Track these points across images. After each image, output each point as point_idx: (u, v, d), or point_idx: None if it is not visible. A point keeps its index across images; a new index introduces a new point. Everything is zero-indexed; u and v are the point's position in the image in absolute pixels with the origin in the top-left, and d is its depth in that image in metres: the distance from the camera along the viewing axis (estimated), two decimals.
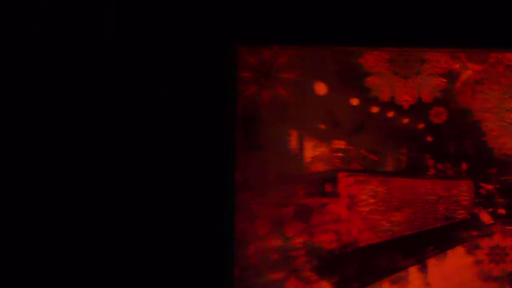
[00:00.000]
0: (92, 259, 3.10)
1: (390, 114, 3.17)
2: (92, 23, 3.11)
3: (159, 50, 3.08)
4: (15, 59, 3.09)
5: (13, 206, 3.11)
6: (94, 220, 3.09)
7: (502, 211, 3.18)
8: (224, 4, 3.08)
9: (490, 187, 3.17)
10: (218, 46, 3.08)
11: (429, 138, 3.16)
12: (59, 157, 3.07)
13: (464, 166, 3.16)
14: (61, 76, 3.07)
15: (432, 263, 3.16)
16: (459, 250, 3.16)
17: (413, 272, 3.15)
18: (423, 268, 3.15)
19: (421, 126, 3.16)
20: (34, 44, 3.08)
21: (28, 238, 3.10)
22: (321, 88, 3.18)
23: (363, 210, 3.17)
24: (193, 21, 3.08)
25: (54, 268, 3.10)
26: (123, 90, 3.09)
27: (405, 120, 3.16)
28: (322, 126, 3.18)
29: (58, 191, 3.09)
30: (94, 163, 3.08)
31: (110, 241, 3.08)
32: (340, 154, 3.19)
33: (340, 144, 3.18)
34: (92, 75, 3.09)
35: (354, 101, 3.17)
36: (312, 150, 3.19)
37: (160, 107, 3.08)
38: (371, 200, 3.16)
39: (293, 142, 3.20)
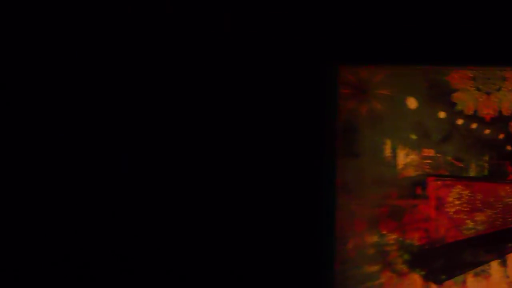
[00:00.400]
0: (200, 257, 3.23)
1: (474, 125, 3.26)
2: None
3: (274, 71, 3.21)
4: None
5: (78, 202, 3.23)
6: (206, 219, 3.23)
7: None
8: (328, 30, 3.21)
9: None
10: (322, 66, 3.21)
11: (509, 147, 3.26)
12: (179, 159, 3.23)
13: None
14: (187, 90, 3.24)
15: (511, 258, 3.24)
16: None
17: (494, 266, 3.23)
18: (503, 263, 3.24)
19: (501, 136, 3.26)
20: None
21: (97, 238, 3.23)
22: (412, 103, 3.27)
23: (449, 210, 3.26)
24: (302, 44, 3.21)
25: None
26: (246, 105, 3.22)
27: (487, 131, 3.26)
28: (413, 136, 3.28)
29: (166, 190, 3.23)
30: (218, 170, 3.24)
31: (225, 234, 3.22)
32: (429, 161, 3.27)
33: (429, 152, 3.27)
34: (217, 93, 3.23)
35: (442, 114, 3.26)
36: (404, 158, 3.28)
37: (273, 121, 3.23)
38: (457, 202, 3.26)
39: (387, 150, 3.29)
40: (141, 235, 3.24)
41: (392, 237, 3.28)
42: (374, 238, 3.29)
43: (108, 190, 3.23)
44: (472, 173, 3.28)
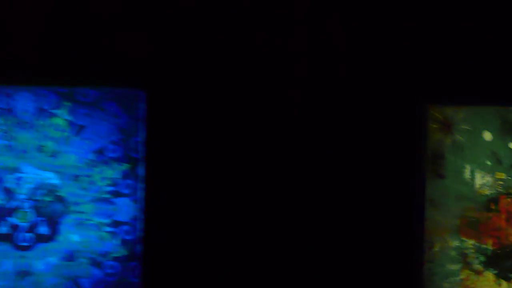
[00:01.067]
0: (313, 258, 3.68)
1: None
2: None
3: (380, 109, 3.63)
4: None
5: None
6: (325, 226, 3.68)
7: None
8: (421, 77, 3.60)
9: None
10: (416, 106, 3.55)
11: None
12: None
13: None
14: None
15: None
16: None
17: None
18: None
19: None
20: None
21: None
22: (487, 135, 3.54)
23: None
24: (401, 89, 3.61)
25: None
26: (359, 134, 3.65)
27: None
28: (488, 162, 3.54)
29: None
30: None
31: (345, 238, 3.67)
32: (501, 182, 3.54)
33: (501, 175, 3.53)
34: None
35: (511, 145, 3.51)
36: (480, 179, 3.54)
37: (378, 149, 3.65)
38: None
39: (467, 173, 3.55)
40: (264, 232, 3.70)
41: (470, 242, 3.55)
42: (456, 243, 3.57)
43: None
44: None
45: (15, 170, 3.75)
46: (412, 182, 3.56)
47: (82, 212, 3.79)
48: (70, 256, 3.80)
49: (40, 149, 3.75)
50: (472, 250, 3.57)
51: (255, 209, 3.69)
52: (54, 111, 3.75)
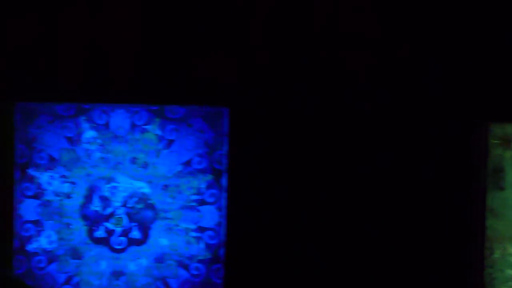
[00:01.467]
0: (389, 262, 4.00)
1: None
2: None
3: (450, 128, 3.93)
4: None
5: None
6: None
7: None
8: (485, 100, 3.93)
9: None
10: (479, 124, 3.91)
11: None
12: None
13: None
14: None
15: None
16: None
17: None
18: None
19: None
20: None
21: None
22: None
23: None
24: (467, 111, 3.94)
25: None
26: (431, 149, 3.96)
27: None
28: None
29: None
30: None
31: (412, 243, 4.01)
32: None
33: None
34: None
35: None
36: None
37: (445, 162, 3.96)
38: None
39: None
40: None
41: None
42: None
43: None
44: None
45: (110, 180, 4.12)
46: (474, 193, 3.88)
47: (171, 219, 4.10)
48: (159, 258, 4.12)
49: (133, 161, 4.10)
50: None
51: (326, 213, 4.05)
52: (145, 126, 4.10)
